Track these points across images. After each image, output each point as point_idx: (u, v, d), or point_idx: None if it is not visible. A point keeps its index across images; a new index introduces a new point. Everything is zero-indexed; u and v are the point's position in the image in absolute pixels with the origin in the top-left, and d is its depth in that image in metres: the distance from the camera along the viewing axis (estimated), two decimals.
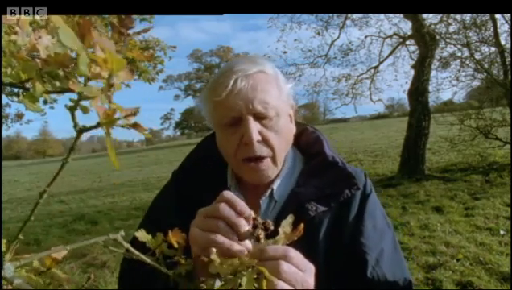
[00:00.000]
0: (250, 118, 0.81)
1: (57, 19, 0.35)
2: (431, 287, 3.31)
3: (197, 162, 0.97)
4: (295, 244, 0.59)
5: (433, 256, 3.87)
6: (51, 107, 8.70)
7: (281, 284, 0.54)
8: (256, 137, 0.81)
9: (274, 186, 0.89)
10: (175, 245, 0.56)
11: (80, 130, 0.36)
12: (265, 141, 0.83)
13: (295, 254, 0.57)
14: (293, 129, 0.94)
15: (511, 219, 4.70)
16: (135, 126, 0.37)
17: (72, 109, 0.35)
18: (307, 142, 0.98)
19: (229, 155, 0.87)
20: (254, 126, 0.81)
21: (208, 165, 0.93)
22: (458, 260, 3.72)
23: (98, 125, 0.35)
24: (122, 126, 0.36)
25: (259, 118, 0.82)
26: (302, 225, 0.58)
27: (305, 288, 0.57)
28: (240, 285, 0.50)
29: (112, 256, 4.57)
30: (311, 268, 0.60)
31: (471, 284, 3.23)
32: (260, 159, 0.83)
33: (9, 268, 0.36)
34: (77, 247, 0.40)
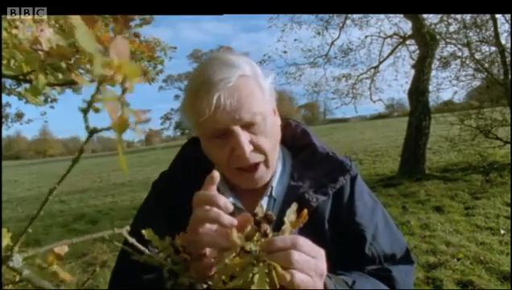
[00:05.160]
0: (239, 130, 0.78)
1: (76, 18, 0.35)
2: (432, 287, 3.30)
3: (182, 170, 0.93)
4: (304, 237, 0.59)
5: (434, 255, 3.87)
6: (52, 107, 8.69)
7: (295, 274, 0.54)
8: (248, 149, 0.79)
9: (274, 184, 0.89)
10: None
11: (92, 132, 0.36)
12: (257, 148, 0.81)
13: (304, 242, 0.57)
14: (278, 121, 0.91)
15: (511, 218, 4.70)
16: (144, 132, 0.38)
17: (84, 111, 0.35)
18: (292, 136, 0.97)
19: (220, 164, 0.84)
20: (245, 138, 0.78)
21: (194, 172, 0.86)
22: (458, 259, 3.72)
23: (110, 127, 0.35)
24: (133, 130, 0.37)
25: (247, 126, 0.79)
26: (305, 210, 0.58)
27: (319, 274, 0.57)
28: (252, 282, 0.49)
29: (112, 255, 4.57)
30: (321, 253, 0.60)
31: (471, 284, 3.23)
32: (254, 166, 0.82)
33: (17, 259, 0.36)
34: (81, 242, 0.40)
